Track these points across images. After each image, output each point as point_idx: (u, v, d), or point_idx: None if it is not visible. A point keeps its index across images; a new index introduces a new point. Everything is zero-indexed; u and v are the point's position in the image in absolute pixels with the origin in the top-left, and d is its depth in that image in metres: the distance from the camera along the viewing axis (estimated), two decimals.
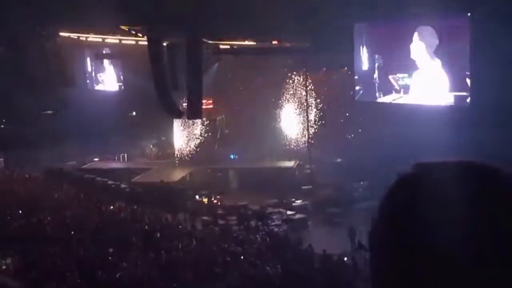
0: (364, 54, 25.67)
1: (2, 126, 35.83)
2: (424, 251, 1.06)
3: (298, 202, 24.99)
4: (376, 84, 25.39)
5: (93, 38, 33.97)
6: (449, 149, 19.43)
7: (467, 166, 1.12)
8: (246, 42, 28.63)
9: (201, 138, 32.29)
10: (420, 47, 23.63)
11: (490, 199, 1.07)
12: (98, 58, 36.90)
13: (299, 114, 31.35)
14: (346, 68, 28.04)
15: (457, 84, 22.55)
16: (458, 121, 21.20)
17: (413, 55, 23.79)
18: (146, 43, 26.37)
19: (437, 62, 23.08)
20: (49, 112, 36.72)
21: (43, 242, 17.37)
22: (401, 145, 22.86)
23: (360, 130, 28.21)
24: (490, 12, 19.06)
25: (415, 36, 23.60)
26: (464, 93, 22.56)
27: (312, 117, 30.54)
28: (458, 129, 20.62)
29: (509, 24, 18.11)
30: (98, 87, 38.36)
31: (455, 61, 22.47)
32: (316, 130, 30.64)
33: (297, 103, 31.53)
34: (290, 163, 29.51)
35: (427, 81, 23.76)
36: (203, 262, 15.36)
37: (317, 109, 30.76)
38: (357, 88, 26.64)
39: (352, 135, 29.35)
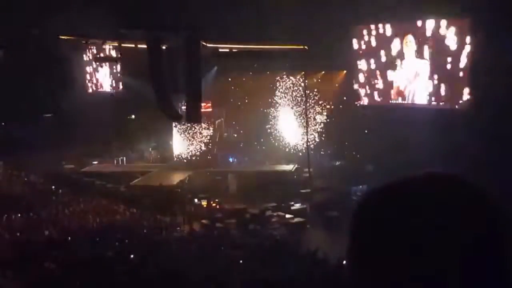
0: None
1: (1, 129, 35.80)
2: (393, 263, 1.08)
3: (297, 205, 24.96)
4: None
5: (92, 41, 33.97)
6: (447, 153, 19.42)
7: (430, 179, 1.14)
8: (245, 46, 28.63)
9: (199, 141, 32.23)
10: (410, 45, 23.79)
11: (451, 210, 1.08)
12: (97, 61, 36.92)
13: (298, 117, 31.32)
14: (344, 71, 28.08)
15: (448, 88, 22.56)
16: (459, 125, 21.19)
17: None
18: (145, 46, 26.40)
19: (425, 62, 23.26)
20: (48, 115, 36.73)
21: (41, 245, 17.36)
22: (400, 149, 22.85)
23: (360, 133, 28.13)
24: (492, 15, 19.09)
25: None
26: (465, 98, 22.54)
27: (311, 120, 30.49)
28: (458, 133, 20.60)
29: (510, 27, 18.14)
30: (97, 90, 38.36)
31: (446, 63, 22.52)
32: (315, 134, 30.60)
33: (296, 106, 31.51)
34: (289, 167, 29.48)
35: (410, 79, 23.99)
36: (202, 265, 15.34)
37: (316, 112, 30.72)
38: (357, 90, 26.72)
39: (352, 139, 29.30)
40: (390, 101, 25.66)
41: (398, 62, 24.75)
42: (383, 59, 25.41)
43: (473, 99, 21.81)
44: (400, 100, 25.22)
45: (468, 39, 21.39)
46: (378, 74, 25.77)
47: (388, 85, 25.50)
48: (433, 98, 23.64)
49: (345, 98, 28.59)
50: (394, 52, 24.72)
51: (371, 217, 1.17)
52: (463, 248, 1.06)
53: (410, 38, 23.91)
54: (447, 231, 1.07)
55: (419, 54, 23.73)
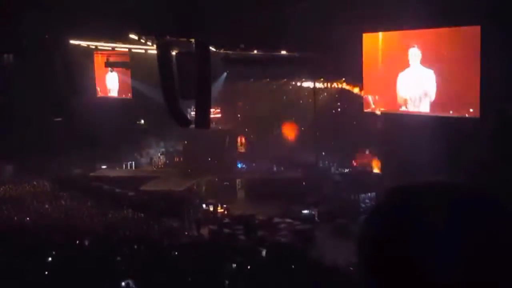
0: None
1: (11, 133, 35.94)
2: (404, 271, 1.07)
3: (305, 212, 24.92)
4: None
5: (103, 46, 34.15)
6: (455, 161, 19.35)
7: (440, 189, 1.13)
8: (255, 52, 28.69)
9: (209, 147, 32.24)
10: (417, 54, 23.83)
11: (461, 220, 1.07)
12: (108, 66, 37.07)
13: (307, 124, 31.29)
14: (344, 79, 28.10)
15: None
16: (467, 134, 21.08)
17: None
18: (155, 51, 26.52)
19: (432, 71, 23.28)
20: (58, 119, 36.88)
21: (49, 249, 17.40)
22: (408, 156, 22.79)
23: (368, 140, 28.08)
24: (502, 24, 19.03)
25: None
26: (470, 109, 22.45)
27: (320, 127, 30.45)
28: (467, 142, 20.49)
29: None
30: (107, 95, 38.49)
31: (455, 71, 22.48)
32: (324, 140, 30.56)
33: (305, 113, 31.48)
34: (297, 173, 29.43)
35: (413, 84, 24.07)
36: (209, 271, 15.33)
37: (325, 119, 30.66)
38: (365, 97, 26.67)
39: (360, 146, 29.26)
40: (397, 109, 25.58)
41: (405, 70, 24.69)
42: (391, 66, 25.35)
43: (481, 108, 21.71)
44: (407, 108, 25.14)
45: (476, 47, 21.31)
46: (386, 82, 25.71)
47: (396, 93, 25.44)
48: (440, 107, 23.55)
49: (352, 105, 28.53)
50: (401, 60, 24.66)
51: (384, 224, 1.16)
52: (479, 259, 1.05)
53: (417, 46, 23.86)
54: (463, 241, 1.06)
55: (427, 62, 23.67)
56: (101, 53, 36.80)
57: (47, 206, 25.07)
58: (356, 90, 27.75)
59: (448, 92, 23.25)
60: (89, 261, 16.15)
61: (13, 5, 23.88)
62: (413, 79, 24.54)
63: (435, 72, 23.57)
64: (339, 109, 30.22)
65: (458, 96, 22.76)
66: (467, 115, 22.42)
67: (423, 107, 24.43)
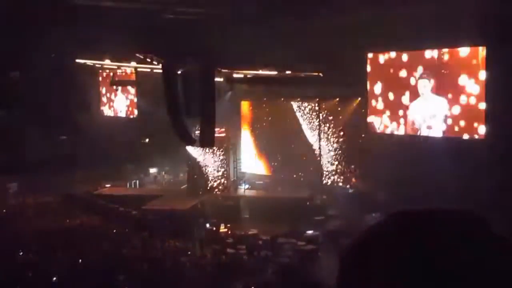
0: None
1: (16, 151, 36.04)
2: None
3: (310, 232, 24.80)
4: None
5: (108, 65, 34.32)
6: (463, 186, 19.24)
7: (435, 216, 1.12)
8: (260, 72, 28.76)
9: (212, 166, 32.21)
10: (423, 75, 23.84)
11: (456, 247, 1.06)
12: (113, 84, 37.23)
13: (312, 144, 31.21)
14: (358, 98, 27.96)
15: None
16: (474, 156, 20.96)
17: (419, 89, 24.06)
18: (160, 70, 26.68)
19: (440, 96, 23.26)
20: (63, 137, 36.98)
21: (53, 267, 17.36)
22: (415, 178, 22.70)
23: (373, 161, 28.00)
24: (506, 44, 19.04)
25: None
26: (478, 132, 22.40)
27: (324, 147, 30.37)
28: (475, 165, 20.37)
29: None
30: (112, 114, 38.62)
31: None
32: (329, 160, 30.47)
33: (309, 133, 31.42)
34: (302, 193, 29.32)
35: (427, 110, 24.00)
36: None
37: (330, 139, 30.60)
38: (371, 118, 26.66)
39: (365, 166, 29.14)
40: (404, 131, 25.53)
41: (410, 91, 24.66)
42: (396, 88, 25.35)
43: (486, 129, 21.64)
44: (414, 130, 25.07)
45: (483, 67, 21.33)
46: (391, 104, 25.69)
47: (402, 114, 25.41)
48: (448, 129, 23.48)
49: (359, 125, 28.48)
50: (406, 81, 24.67)
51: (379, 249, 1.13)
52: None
53: (423, 67, 23.88)
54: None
55: (433, 85, 23.66)
56: (106, 72, 37.02)
57: (51, 224, 25.03)
58: (361, 111, 27.69)
59: (456, 113, 23.16)
60: (91, 280, 16.07)
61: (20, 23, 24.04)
62: (419, 100, 24.50)
63: (442, 97, 23.52)
64: (343, 131, 30.06)
65: (467, 117, 22.68)
66: (476, 137, 22.32)
67: (431, 129, 24.37)
